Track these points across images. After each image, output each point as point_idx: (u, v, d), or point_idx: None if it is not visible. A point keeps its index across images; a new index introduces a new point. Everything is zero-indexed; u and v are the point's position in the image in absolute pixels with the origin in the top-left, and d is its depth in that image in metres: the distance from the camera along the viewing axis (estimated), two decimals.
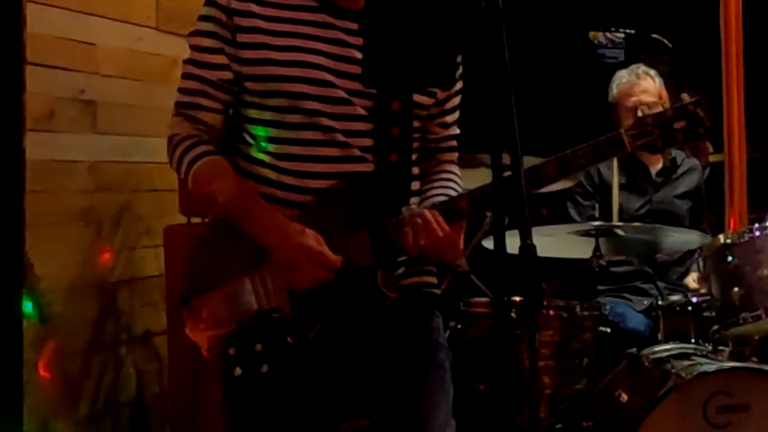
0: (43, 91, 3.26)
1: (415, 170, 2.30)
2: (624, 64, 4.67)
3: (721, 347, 3.44)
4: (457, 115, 2.39)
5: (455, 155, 2.43)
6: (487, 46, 1.81)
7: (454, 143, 2.42)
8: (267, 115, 2.18)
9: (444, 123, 2.37)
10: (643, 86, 4.19)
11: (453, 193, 2.30)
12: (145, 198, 3.78)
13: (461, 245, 2.20)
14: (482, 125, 1.88)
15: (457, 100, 2.37)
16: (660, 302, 3.71)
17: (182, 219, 3.64)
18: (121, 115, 3.64)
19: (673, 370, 3.25)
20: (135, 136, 3.68)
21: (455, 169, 2.42)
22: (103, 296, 3.56)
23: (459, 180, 2.39)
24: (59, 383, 3.28)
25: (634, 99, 4.14)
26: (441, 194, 2.29)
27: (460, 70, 2.35)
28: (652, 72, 4.26)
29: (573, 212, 4.28)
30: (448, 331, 3.71)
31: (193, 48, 2.23)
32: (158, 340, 3.80)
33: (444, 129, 2.38)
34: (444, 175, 2.37)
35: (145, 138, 3.65)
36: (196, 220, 3.55)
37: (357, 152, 2.17)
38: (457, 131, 2.42)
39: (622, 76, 4.28)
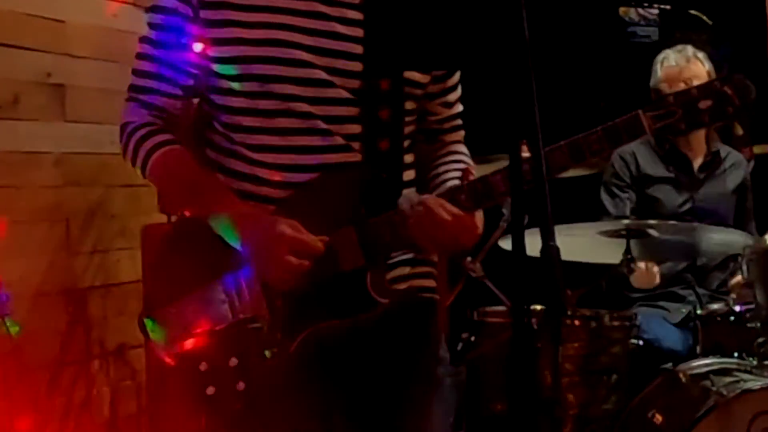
0: (5, 75, 3.26)
1: (409, 158, 2.28)
2: (659, 44, 4.67)
3: (767, 362, 3.44)
4: (459, 91, 2.38)
5: (462, 134, 2.42)
6: (503, 22, 1.81)
7: (460, 122, 2.41)
8: (237, 101, 2.16)
9: (446, 102, 2.37)
10: (692, 71, 4.19)
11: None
12: (120, 194, 3.78)
13: (479, 226, 2.18)
14: (498, 115, 1.87)
15: (458, 76, 2.36)
16: (699, 311, 3.71)
17: (161, 218, 3.64)
18: (94, 101, 3.64)
19: (714, 388, 3.25)
20: (109, 125, 3.65)
21: (464, 149, 2.41)
22: (72, 304, 3.57)
23: (470, 160, 2.38)
24: (23, 402, 3.28)
25: (682, 85, 4.13)
26: (452, 178, 2.27)
27: (465, 50, 2.34)
28: (701, 55, 4.26)
29: (608, 204, 4.29)
30: (460, 344, 3.71)
31: (151, 25, 2.23)
32: (134, 353, 3.80)
33: (447, 108, 2.37)
34: (453, 157, 2.37)
35: None
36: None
37: (341, 140, 2.15)
38: (461, 108, 2.41)
39: (669, 58, 4.27)
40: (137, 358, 3.79)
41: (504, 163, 1.89)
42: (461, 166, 2.33)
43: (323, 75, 2.14)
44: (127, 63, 3.68)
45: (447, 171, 2.32)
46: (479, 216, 2.16)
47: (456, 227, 2.10)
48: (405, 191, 2.22)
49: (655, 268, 4.13)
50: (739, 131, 4.35)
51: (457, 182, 2.23)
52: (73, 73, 3.55)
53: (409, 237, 2.12)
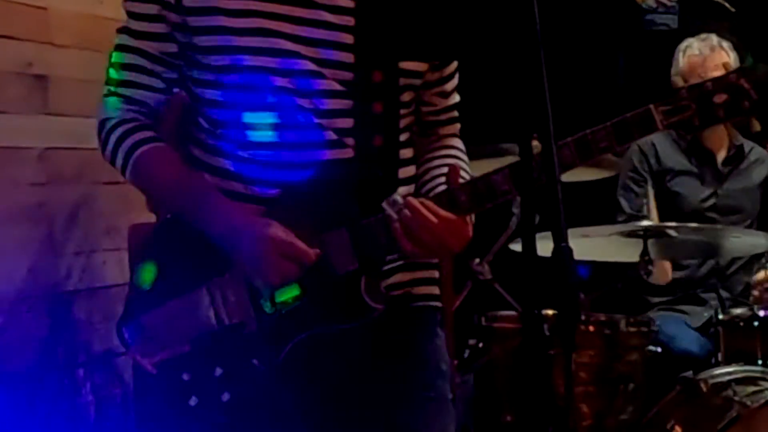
0: None
1: (406, 153, 2.27)
2: (678, 33, 4.66)
3: None
4: (456, 81, 2.37)
5: (457, 127, 2.41)
6: (511, 6, 1.80)
7: (456, 113, 2.40)
8: (222, 95, 2.16)
9: (443, 92, 2.35)
10: (717, 61, 4.19)
11: (463, 175, 2.26)
12: (107, 191, 3.78)
13: (469, 228, 2.16)
14: (507, 105, 1.86)
15: (456, 63, 2.35)
16: (721, 316, 3.71)
17: (150, 217, 3.62)
18: (78, 92, 3.63)
19: (737, 398, 3.24)
20: (93, 118, 3.66)
21: (459, 143, 2.40)
22: (56, 309, 3.56)
23: (465, 156, 2.37)
24: (3, 412, 3.28)
25: (707, 75, 4.12)
26: (444, 174, 2.26)
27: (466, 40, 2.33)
28: (726, 44, 4.26)
29: (623, 201, 4.29)
30: (467, 351, 3.71)
31: (129, 14, 2.22)
32: (122, 361, 3.79)
33: (443, 98, 2.36)
34: (448, 152, 2.35)
35: None
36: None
37: (332, 135, 2.14)
38: (458, 99, 2.40)
39: (693, 47, 4.27)
40: (125, 366, 3.78)
41: (508, 160, 1.89)
42: (455, 162, 2.32)
43: (311, 66, 2.13)
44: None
45: (441, 166, 2.30)
46: (470, 218, 2.15)
47: (444, 231, 2.09)
48: (402, 189, 2.21)
49: (667, 264, 4.13)
50: (757, 127, 4.35)
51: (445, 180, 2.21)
52: (56, 63, 3.54)
53: (391, 241, 2.11)
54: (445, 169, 2.26)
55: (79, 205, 3.69)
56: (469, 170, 2.31)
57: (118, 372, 3.82)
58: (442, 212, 2.08)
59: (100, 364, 3.77)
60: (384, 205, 2.11)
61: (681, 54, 4.29)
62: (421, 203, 2.09)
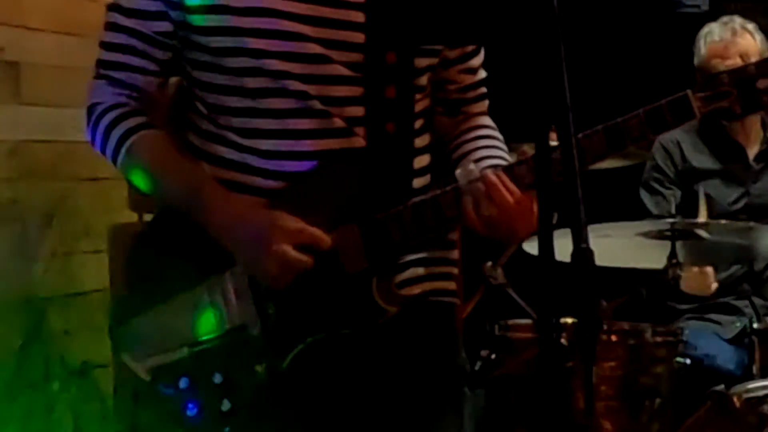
0: None
1: (421, 142, 2.28)
2: (710, 15, 4.65)
3: None
4: (482, 56, 2.38)
5: (486, 104, 2.42)
6: None
7: (484, 89, 2.41)
8: (223, 79, 2.16)
9: (469, 68, 2.36)
10: (741, 46, 4.18)
11: (501, 154, 2.28)
12: (85, 188, 3.79)
13: (536, 216, 2.18)
14: (522, 97, 1.86)
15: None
16: (756, 325, 3.71)
17: (132, 216, 3.64)
18: (53, 80, 3.64)
19: None
20: (72, 108, 3.66)
21: (489, 121, 2.41)
22: (30, 316, 3.57)
23: (498, 134, 2.38)
24: None
25: (729, 63, 4.12)
26: (483, 155, 2.27)
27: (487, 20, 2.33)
28: (751, 26, 4.25)
29: (648, 202, 4.29)
30: (478, 363, 3.71)
31: None
32: (101, 373, 3.80)
33: (470, 75, 2.37)
34: (481, 132, 2.36)
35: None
36: (150, 217, 3.55)
37: (341, 123, 2.15)
38: (485, 74, 2.40)
39: (713, 33, 4.26)
40: (104, 379, 3.79)
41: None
42: (491, 142, 2.33)
43: (318, 49, 2.14)
44: (91, 36, 3.66)
45: (476, 149, 2.32)
46: (536, 203, 2.15)
47: (516, 211, 2.10)
48: (416, 182, 2.22)
49: (710, 270, 4.13)
50: None
51: (495, 162, 2.22)
52: (29, 49, 3.55)
53: (457, 217, 2.11)
54: (482, 153, 2.28)
55: (55, 203, 3.69)
56: (505, 148, 2.32)
57: (97, 386, 3.83)
58: (517, 190, 2.09)
59: (78, 377, 3.77)
60: (457, 174, 2.12)
61: (702, 41, 4.28)
62: (498, 177, 2.10)
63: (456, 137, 2.36)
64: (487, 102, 2.41)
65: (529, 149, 2.16)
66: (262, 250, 2.09)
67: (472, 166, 2.15)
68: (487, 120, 2.40)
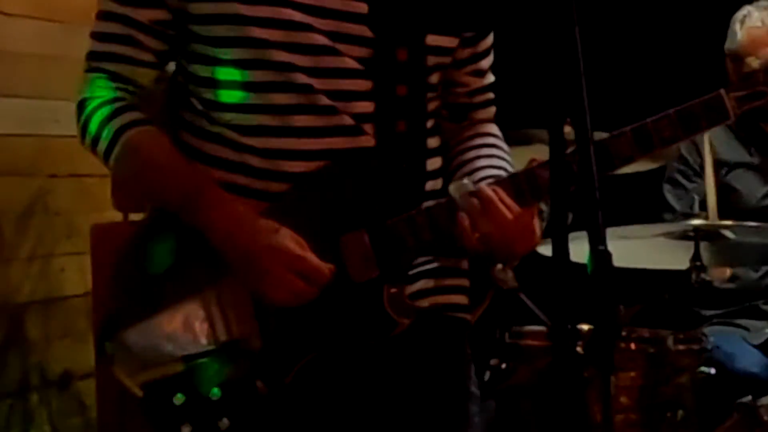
0: None
1: (433, 142, 2.29)
2: None
3: None
4: (491, 58, 2.39)
5: (493, 110, 2.43)
6: None
7: (491, 95, 2.43)
8: (223, 73, 2.16)
9: (478, 70, 2.37)
10: None
11: (501, 163, 2.29)
12: (65, 186, 3.79)
13: (538, 232, 2.18)
14: (536, 87, 1.87)
15: (491, 38, 2.36)
16: None
17: (116, 215, 3.64)
18: (32, 70, 3.64)
19: None
20: (51, 100, 3.69)
21: (495, 130, 2.42)
22: (6, 324, 3.57)
23: (504, 144, 2.39)
24: None
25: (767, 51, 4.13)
26: (484, 164, 2.28)
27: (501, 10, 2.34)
28: None
29: (671, 197, 4.29)
30: (488, 373, 3.71)
31: None
32: (83, 385, 3.81)
33: (478, 78, 2.38)
34: (485, 140, 2.37)
35: (65, 102, 3.64)
36: (136, 217, 3.56)
37: (349, 120, 2.16)
38: (493, 79, 2.41)
39: (751, 17, 4.25)
40: (86, 391, 3.80)
41: (537, 148, 1.89)
42: (492, 152, 2.34)
43: (324, 40, 2.15)
44: (74, 22, 3.70)
45: (478, 158, 2.33)
46: (537, 219, 2.16)
47: (515, 228, 2.10)
48: (429, 185, 2.22)
49: None
50: None
51: (495, 172, 2.22)
52: (5, 36, 3.55)
53: (451, 235, 2.12)
54: (485, 162, 2.29)
55: (33, 201, 3.70)
56: (510, 160, 2.32)
57: (79, 398, 3.83)
58: (516, 206, 2.10)
59: (58, 389, 3.78)
60: (451, 189, 2.12)
61: (738, 25, 4.27)
62: (495, 192, 2.10)
63: (458, 144, 2.37)
64: (494, 109, 2.43)
65: (538, 157, 2.16)
66: (263, 276, 2.10)
67: (465, 179, 2.15)
68: (492, 128, 2.41)
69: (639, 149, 2.12)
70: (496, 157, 2.33)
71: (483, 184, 2.13)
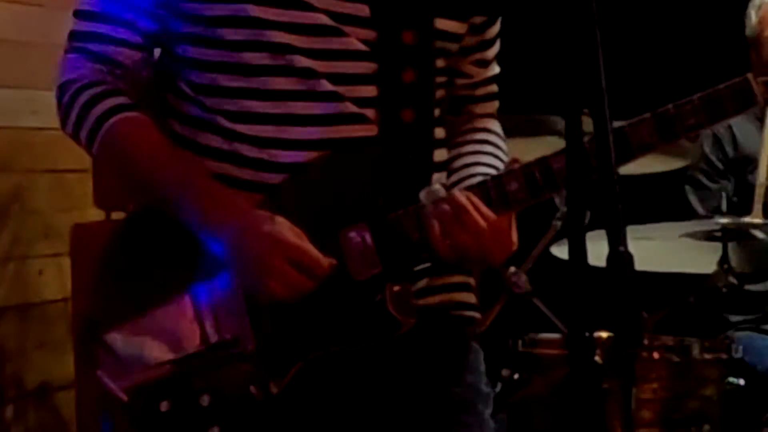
0: None
1: (440, 133, 2.29)
2: None
3: None
4: (497, 47, 2.39)
5: (495, 105, 2.43)
6: None
7: (494, 88, 2.43)
8: (214, 54, 2.16)
9: (483, 60, 2.37)
10: None
11: (497, 164, 2.29)
12: (43, 182, 3.80)
13: (514, 239, 2.18)
14: (552, 75, 1.87)
15: (498, 26, 2.36)
16: None
17: (98, 214, 3.65)
18: (8, 57, 3.65)
19: None
20: (28, 89, 3.69)
21: (496, 126, 2.42)
22: None
23: (502, 143, 2.39)
24: None
25: None
26: (477, 164, 2.28)
27: None
28: None
29: (693, 199, 4.29)
30: (500, 384, 3.72)
31: None
32: (62, 395, 3.81)
33: (482, 68, 2.38)
34: (483, 136, 2.37)
35: (44, 92, 3.65)
36: (119, 215, 3.56)
37: (352, 107, 2.15)
38: (497, 70, 2.42)
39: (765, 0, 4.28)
40: (65, 402, 3.80)
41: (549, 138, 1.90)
42: (486, 149, 2.34)
43: (326, 20, 2.14)
44: (53, 7, 3.70)
45: (475, 153, 2.33)
46: (514, 226, 2.16)
47: (489, 237, 2.10)
48: (435, 176, 2.22)
49: None
50: None
51: (491, 171, 2.23)
52: None
53: (424, 241, 2.12)
54: (483, 159, 2.29)
55: (8, 199, 3.70)
56: (505, 159, 2.32)
57: (57, 411, 3.84)
58: (492, 215, 2.10)
59: (35, 401, 3.78)
60: (421, 195, 2.12)
61: (754, 11, 4.29)
62: (468, 199, 2.10)
63: (455, 138, 2.36)
64: (496, 103, 2.42)
65: (518, 159, 2.17)
66: (258, 268, 2.10)
67: (437, 185, 2.15)
68: (491, 123, 2.41)
69: (660, 137, 2.12)
70: (488, 154, 2.33)
71: (455, 191, 2.13)
